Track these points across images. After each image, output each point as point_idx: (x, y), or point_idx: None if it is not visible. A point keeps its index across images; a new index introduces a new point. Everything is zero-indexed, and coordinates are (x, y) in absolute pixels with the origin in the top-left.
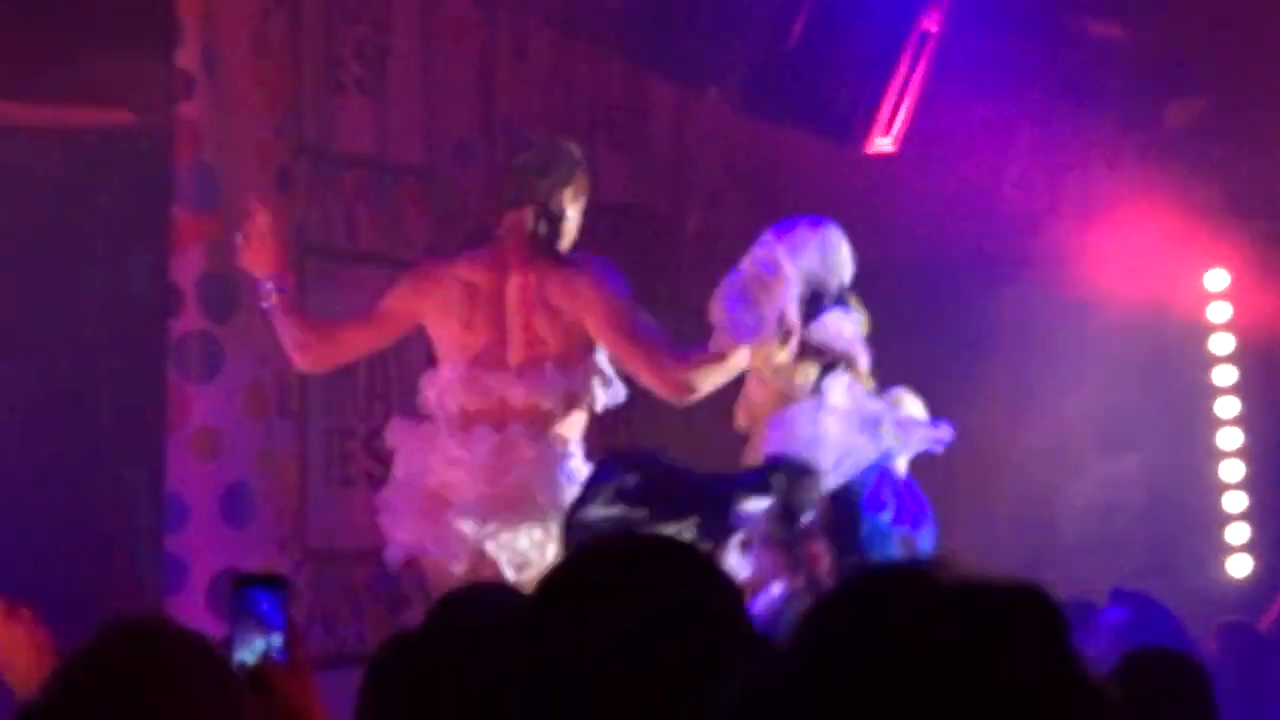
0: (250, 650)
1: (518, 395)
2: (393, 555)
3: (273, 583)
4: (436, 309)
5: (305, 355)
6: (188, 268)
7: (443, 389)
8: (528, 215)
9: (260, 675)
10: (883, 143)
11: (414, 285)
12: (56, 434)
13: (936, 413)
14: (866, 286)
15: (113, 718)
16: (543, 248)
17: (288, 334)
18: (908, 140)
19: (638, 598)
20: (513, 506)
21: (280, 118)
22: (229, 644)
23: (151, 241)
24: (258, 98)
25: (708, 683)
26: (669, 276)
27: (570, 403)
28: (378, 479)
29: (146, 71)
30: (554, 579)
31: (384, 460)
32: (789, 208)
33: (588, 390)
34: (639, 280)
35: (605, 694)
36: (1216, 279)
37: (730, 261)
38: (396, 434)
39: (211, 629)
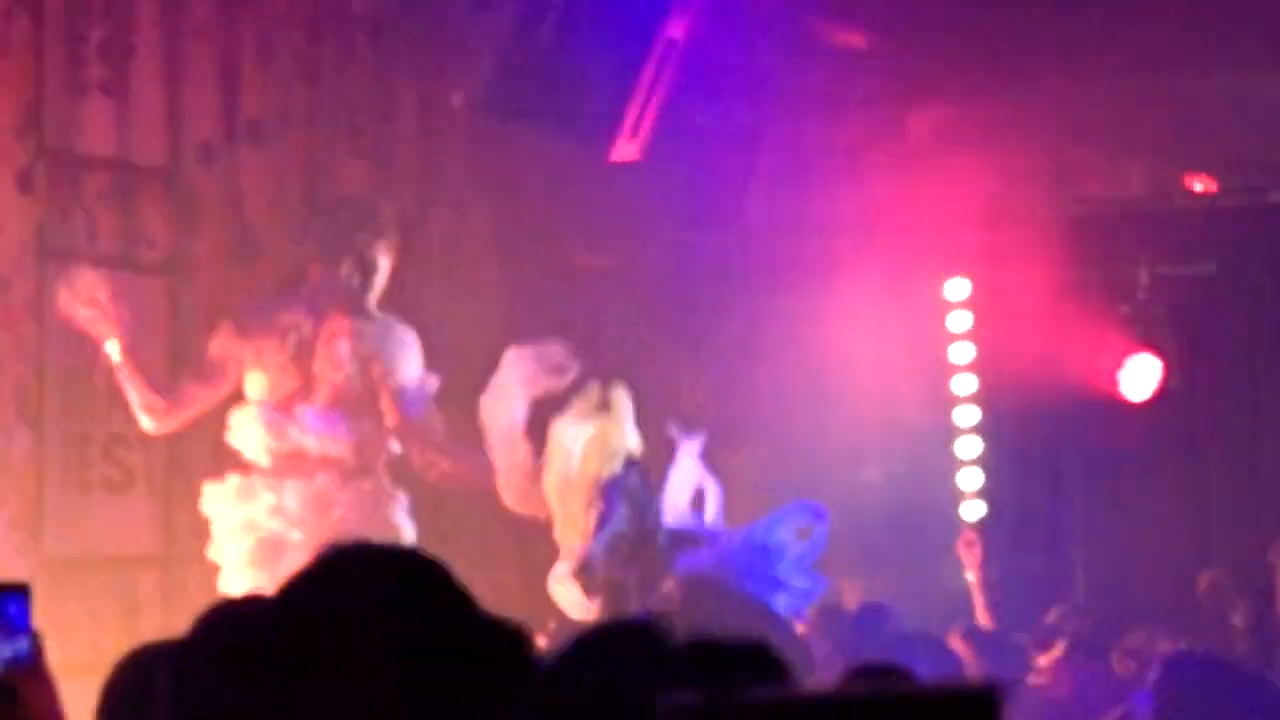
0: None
1: (311, 443)
2: None
3: (16, 590)
4: (253, 353)
5: (155, 415)
6: None
7: (249, 432)
8: (345, 267)
9: (6, 683)
10: (627, 149)
11: (234, 331)
12: None
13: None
14: (611, 293)
15: None
16: (356, 299)
17: (139, 394)
18: (652, 147)
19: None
20: None
21: (21, 119)
22: None
23: None
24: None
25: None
26: (413, 278)
27: (363, 452)
28: (116, 484)
29: None
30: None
31: (123, 466)
32: (534, 211)
33: (382, 442)
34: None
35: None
36: (957, 288)
37: (476, 266)
38: (211, 500)
39: None
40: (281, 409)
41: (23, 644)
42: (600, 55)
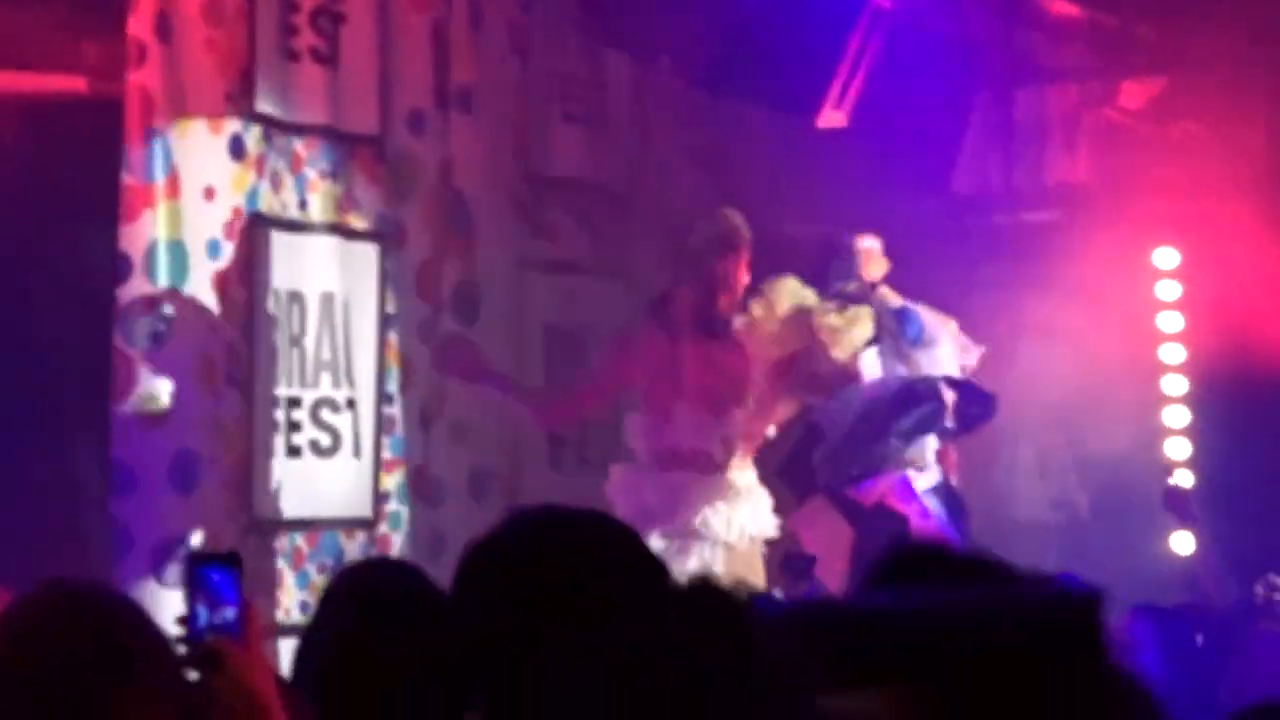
0: (204, 627)
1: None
2: None
3: (227, 560)
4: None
5: (543, 415)
6: (137, 236)
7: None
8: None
9: (212, 652)
10: (834, 116)
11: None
12: (3, 401)
13: None
14: (818, 262)
15: (42, 679)
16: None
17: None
18: (860, 115)
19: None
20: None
21: (233, 86)
22: (184, 621)
23: (103, 209)
24: (211, 65)
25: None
26: (624, 250)
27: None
28: (323, 448)
29: (99, 39)
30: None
31: (330, 429)
32: (743, 182)
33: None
34: (596, 251)
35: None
36: (1166, 257)
37: (685, 236)
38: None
39: (157, 595)
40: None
41: (229, 613)
42: (807, 23)
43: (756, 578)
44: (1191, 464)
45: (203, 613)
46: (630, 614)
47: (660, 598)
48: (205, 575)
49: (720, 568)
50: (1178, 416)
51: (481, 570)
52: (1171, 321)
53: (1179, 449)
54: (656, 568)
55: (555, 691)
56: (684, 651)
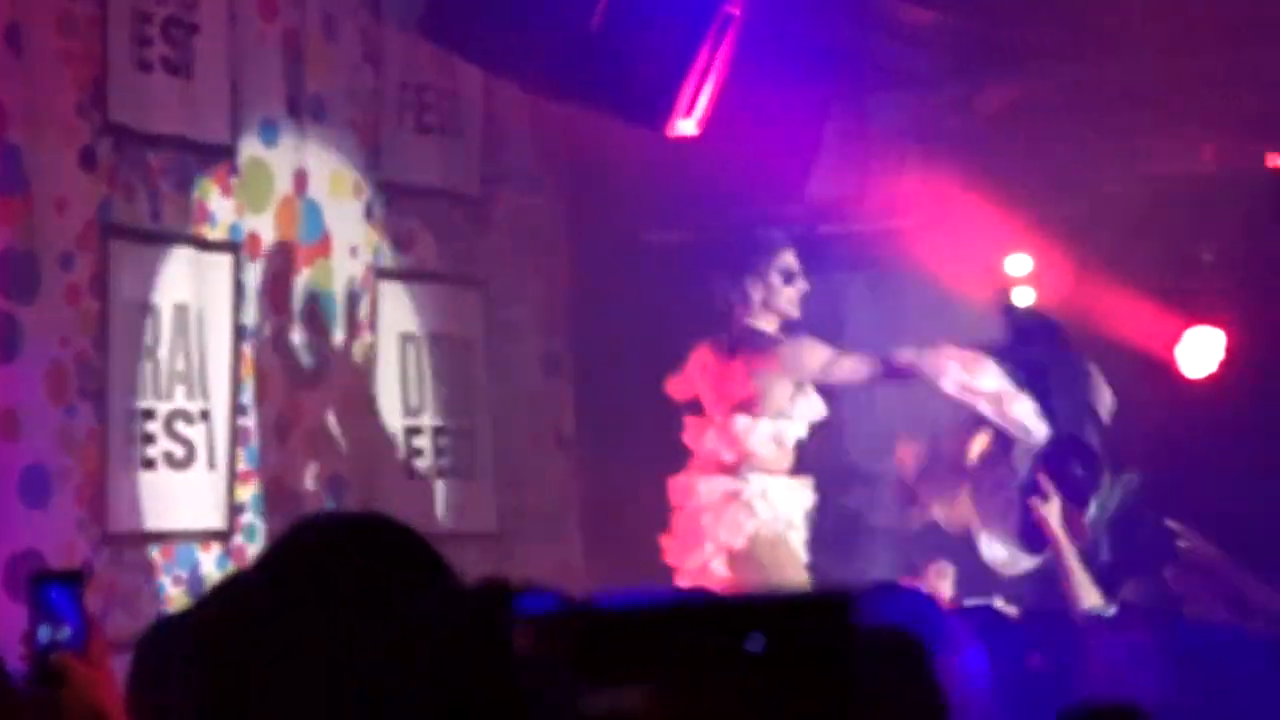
0: (45, 644)
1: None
2: None
3: (68, 578)
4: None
5: None
6: None
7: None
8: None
9: (52, 668)
10: (685, 125)
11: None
12: None
13: None
14: (671, 269)
15: None
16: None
17: None
18: (714, 124)
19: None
20: None
21: (84, 96)
22: (27, 639)
23: None
24: (63, 76)
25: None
26: (480, 259)
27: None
28: (178, 460)
29: None
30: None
31: (185, 441)
32: (598, 190)
33: None
34: (452, 260)
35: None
36: (1019, 264)
37: (545, 245)
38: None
39: (9, 611)
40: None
41: (67, 630)
42: (656, 31)
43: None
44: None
45: (44, 631)
46: (390, 614)
47: (422, 599)
48: (46, 593)
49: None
50: None
51: (273, 571)
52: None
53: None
54: (437, 569)
55: (315, 687)
56: (434, 653)
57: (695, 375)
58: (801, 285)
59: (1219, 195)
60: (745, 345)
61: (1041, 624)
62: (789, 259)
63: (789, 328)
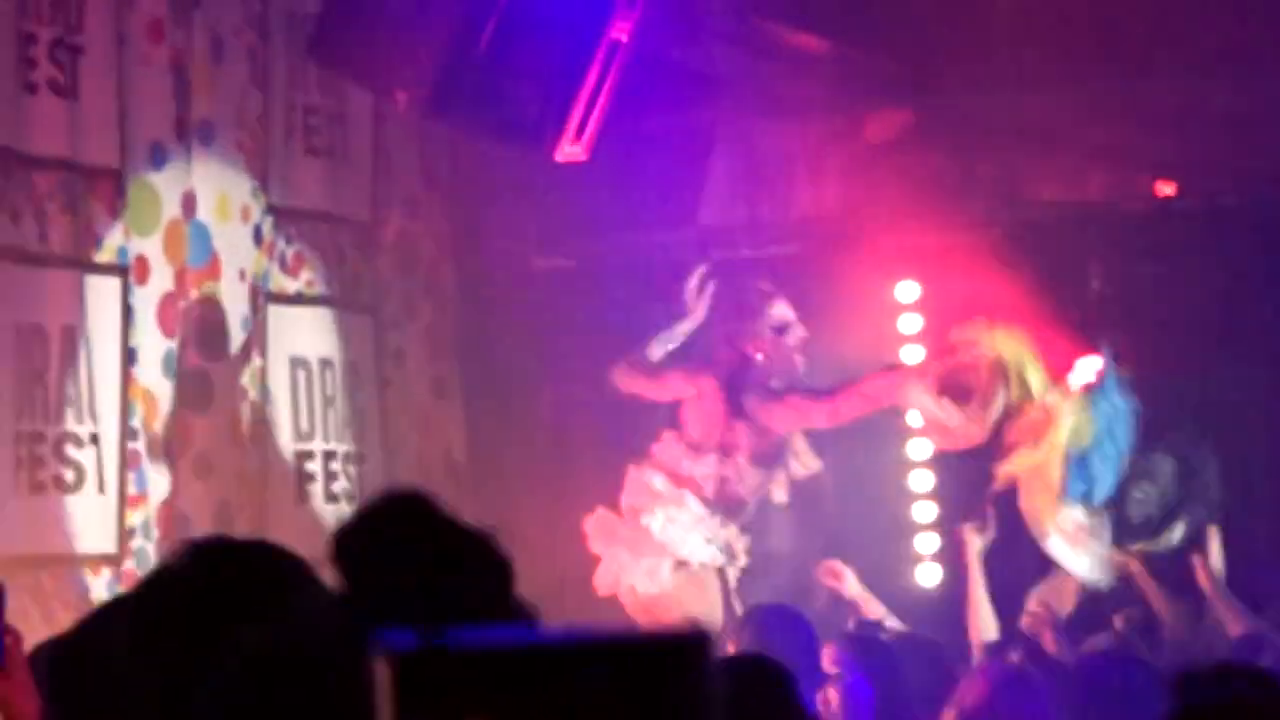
0: None
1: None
2: None
3: None
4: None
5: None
6: None
7: None
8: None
9: None
10: (573, 150)
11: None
12: None
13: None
14: (568, 293)
15: None
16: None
17: None
18: (601, 149)
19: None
20: None
21: None
22: None
23: None
24: None
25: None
26: (367, 284)
27: None
28: (67, 484)
29: None
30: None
31: (74, 465)
32: (486, 216)
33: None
34: (341, 284)
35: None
36: (907, 291)
37: (433, 269)
38: None
39: None
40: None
41: None
42: (543, 56)
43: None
44: (934, 495)
45: None
46: (236, 646)
47: (271, 629)
48: None
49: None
50: (921, 449)
51: (156, 595)
52: (913, 355)
53: (922, 481)
54: (321, 592)
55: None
56: (274, 687)
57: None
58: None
59: (1106, 224)
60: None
61: (928, 648)
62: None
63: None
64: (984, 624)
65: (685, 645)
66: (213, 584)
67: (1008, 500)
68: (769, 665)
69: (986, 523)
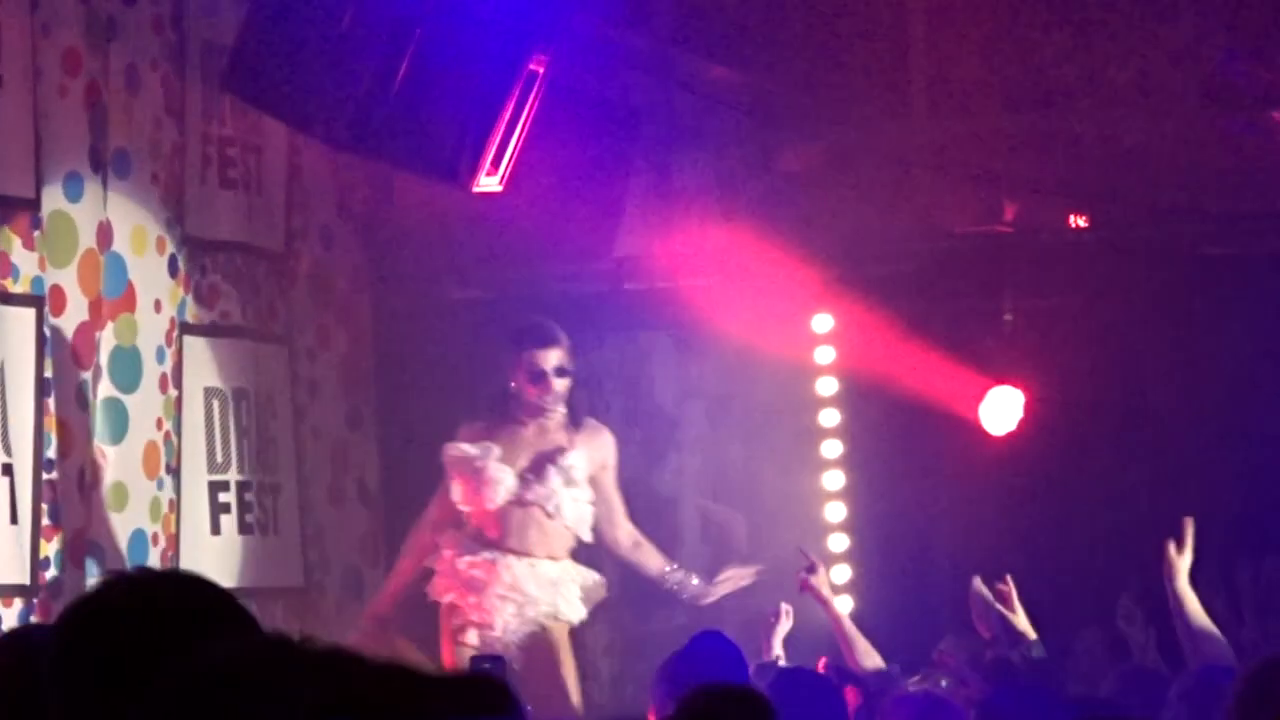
0: None
1: None
2: None
3: None
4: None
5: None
6: None
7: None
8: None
9: None
10: (489, 182)
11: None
12: None
13: None
14: (478, 326)
15: None
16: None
17: None
18: (518, 180)
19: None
20: None
21: None
22: None
23: None
24: None
25: None
26: (281, 315)
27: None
28: None
29: None
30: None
31: None
32: (400, 245)
33: None
34: (256, 315)
35: None
36: (822, 323)
37: (347, 300)
38: None
39: None
40: None
41: None
42: (460, 88)
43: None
44: (846, 526)
45: None
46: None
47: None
48: None
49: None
50: (834, 479)
51: (80, 624)
52: (827, 386)
53: (835, 511)
54: (245, 624)
55: None
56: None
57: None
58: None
59: (1019, 254)
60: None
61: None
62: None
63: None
64: (864, 656)
65: (484, 686)
66: (139, 614)
67: None
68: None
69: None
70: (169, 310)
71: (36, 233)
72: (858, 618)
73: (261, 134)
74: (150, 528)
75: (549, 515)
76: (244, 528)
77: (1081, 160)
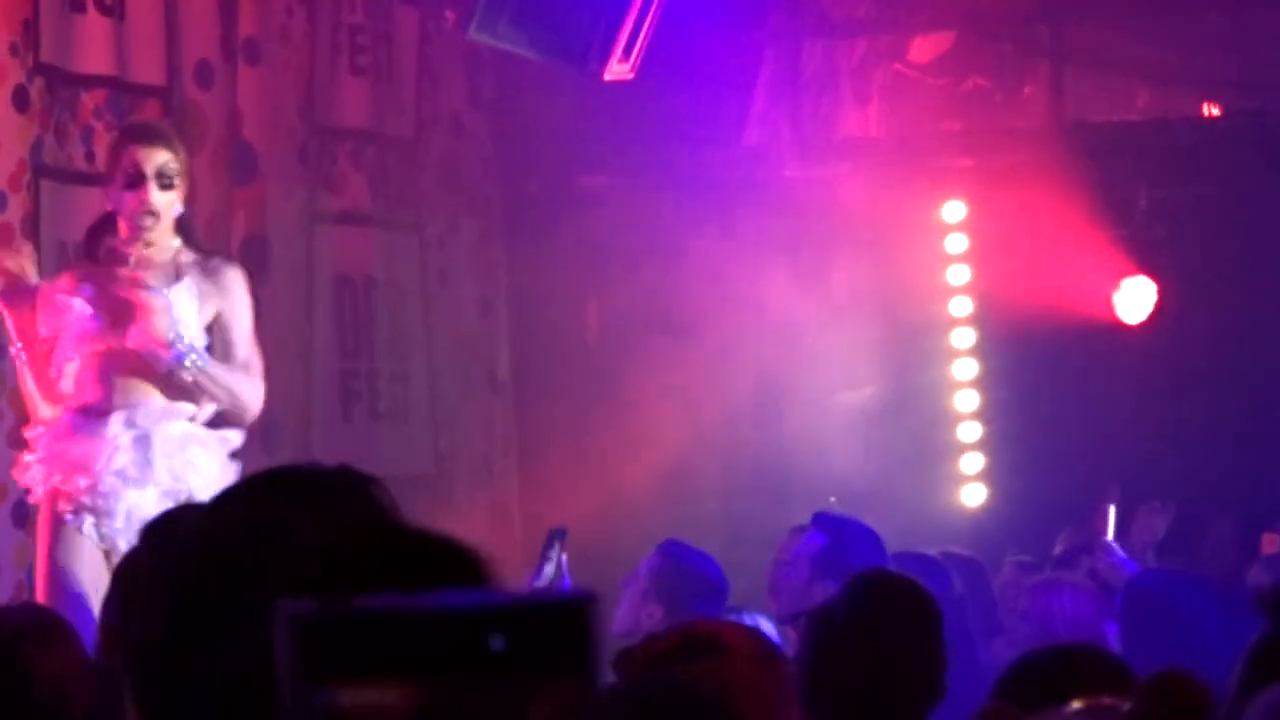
0: None
1: None
2: None
3: None
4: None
5: None
6: None
7: None
8: None
9: None
10: (620, 69)
11: None
12: None
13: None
14: (608, 214)
15: None
16: None
17: None
18: (648, 68)
19: None
20: None
21: (17, 37)
22: None
23: None
24: None
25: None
26: (412, 203)
27: None
28: None
29: None
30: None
31: None
32: (531, 135)
33: None
34: (385, 203)
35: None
36: (953, 211)
37: (477, 188)
38: None
39: None
40: None
41: None
42: None
43: None
44: (979, 416)
45: None
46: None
47: None
48: None
49: None
50: (966, 369)
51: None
52: (959, 274)
53: (968, 401)
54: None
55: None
56: None
57: None
58: None
59: (1152, 143)
60: None
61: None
62: None
63: None
64: None
65: (576, 606)
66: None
67: None
68: (910, 586)
69: None
70: (300, 199)
71: (168, 120)
72: (987, 507)
73: (392, 21)
74: (280, 416)
75: None
76: (374, 415)
77: (1214, 49)
